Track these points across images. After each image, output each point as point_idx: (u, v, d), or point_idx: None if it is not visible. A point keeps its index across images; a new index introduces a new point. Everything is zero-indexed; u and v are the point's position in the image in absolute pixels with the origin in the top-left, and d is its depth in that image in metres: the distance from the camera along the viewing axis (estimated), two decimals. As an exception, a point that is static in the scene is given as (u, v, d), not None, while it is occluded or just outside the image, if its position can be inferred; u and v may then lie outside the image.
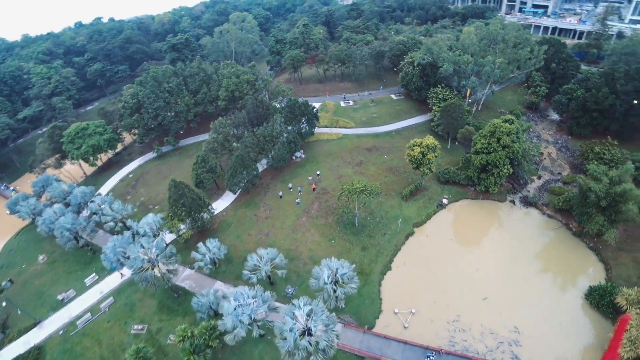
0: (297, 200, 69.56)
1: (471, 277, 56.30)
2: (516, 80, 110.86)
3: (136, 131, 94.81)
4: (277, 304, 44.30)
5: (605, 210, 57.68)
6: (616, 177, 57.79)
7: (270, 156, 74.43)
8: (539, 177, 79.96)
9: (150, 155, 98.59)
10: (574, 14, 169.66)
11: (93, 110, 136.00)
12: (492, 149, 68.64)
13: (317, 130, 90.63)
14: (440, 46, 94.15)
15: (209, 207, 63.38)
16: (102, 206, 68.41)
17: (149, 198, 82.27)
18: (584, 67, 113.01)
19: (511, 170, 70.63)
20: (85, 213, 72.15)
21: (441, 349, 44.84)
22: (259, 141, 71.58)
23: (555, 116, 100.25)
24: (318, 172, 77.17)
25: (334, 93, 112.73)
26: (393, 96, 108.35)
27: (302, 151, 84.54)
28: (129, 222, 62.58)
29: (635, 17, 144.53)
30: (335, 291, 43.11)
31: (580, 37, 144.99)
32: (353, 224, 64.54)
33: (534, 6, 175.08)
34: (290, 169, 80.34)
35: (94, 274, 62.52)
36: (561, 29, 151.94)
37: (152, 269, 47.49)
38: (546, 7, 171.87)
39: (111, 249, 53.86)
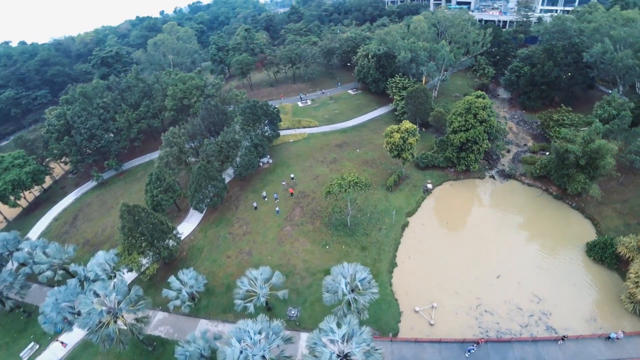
0: (276, 209, 60.19)
1: (478, 258, 51.95)
2: (462, 67, 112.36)
3: (68, 159, 78.16)
4: (289, 333, 34.79)
5: (584, 169, 58.50)
6: (587, 136, 58.49)
7: (236, 164, 64.34)
8: (508, 151, 79.75)
9: (90, 184, 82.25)
10: (493, 8, 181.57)
11: (9, 145, 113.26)
12: (469, 125, 65.85)
13: (280, 132, 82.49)
14: (394, 35, 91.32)
15: (175, 232, 51.67)
16: (33, 253, 52.88)
17: (95, 234, 67.12)
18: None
19: (490, 145, 68.68)
20: (10, 266, 55.61)
21: (480, 339, 38.89)
22: (222, 148, 61.19)
23: (505, 95, 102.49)
24: (292, 176, 68.54)
25: (289, 95, 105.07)
26: (350, 92, 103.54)
27: (268, 156, 75.35)
28: (72, 267, 47.67)
29: (544, 7, 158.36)
30: (356, 301, 34.74)
31: (504, 26, 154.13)
32: (344, 224, 56.89)
33: (458, 2, 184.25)
34: (260, 177, 70.70)
35: (32, 344, 46.74)
36: (487, 20, 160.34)
37: (115, 321, 35.24)
38: (469, 3, 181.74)
39: (52, 305, 39.95)
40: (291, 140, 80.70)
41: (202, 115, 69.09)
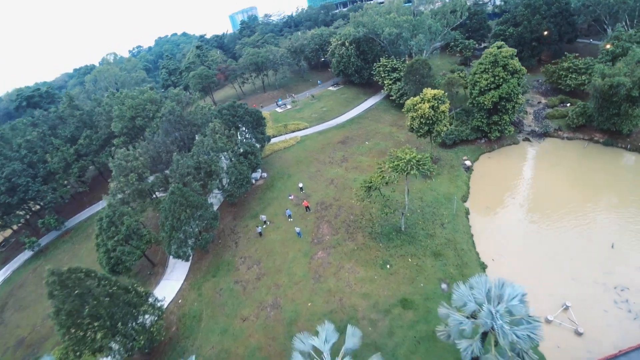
0: (296, 230, 40.99)
1: (570, 232, 37.03)
2: (437, 47, 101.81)
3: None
4: None
5: (637, 101, 48.20)
6: (630, 65, 48.84)
7: (221, 184, 44.84)
8: (525, 112, 67.48)
9: (23, 256, 57.74)
10: None
11: None
12: (500, 80, 52.11)
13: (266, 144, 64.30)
14: (371, 14, 77.80)
15: (151, 301, 30.84)
16: None
17: (33, 329, 43.45)
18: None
19: (523, 100, 55.66)
20: None
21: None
22: (200, 164, 41.61)
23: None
24: (300, 185, 49.87)
25: (262, 104, 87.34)
26: (332, 88, 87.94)
27: (260, 170, 56.41)
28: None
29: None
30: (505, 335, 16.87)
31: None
32: (396, 229, 38.98)
33: None
34: (256, 197, 51.28)
35: None
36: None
37: None
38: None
39: None
40: (282, 148, 62.40)
41: (165, 129, 49.24)
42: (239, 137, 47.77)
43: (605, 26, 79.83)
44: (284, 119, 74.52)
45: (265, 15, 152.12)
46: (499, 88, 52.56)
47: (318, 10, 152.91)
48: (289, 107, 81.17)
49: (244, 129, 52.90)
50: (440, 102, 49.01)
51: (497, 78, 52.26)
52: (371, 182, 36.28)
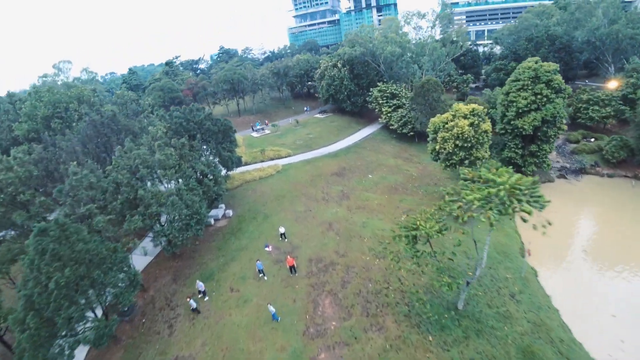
0: (270, 310, 23.20)
1: None
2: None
3: None
4: None
5: None
6: None
7: (158, 224, 27.08)
8: (549, 150, 57.53)
9: None
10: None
11: None
12: (543, 100, 40.77)
13: (235, 171, 47.79)
14: (368, 31, 67.81)
15: None
16: None
17: None
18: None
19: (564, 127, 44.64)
20: None
21: None
22: (119, 186, 24.12)
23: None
24: (282, 231, 32.72)
25: (236, 130, 71.74)
26: (319, 116, 74.77)
27: (224, 206, 39.16)
28: None
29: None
30: None
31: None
32: (450, 307, 22.64)
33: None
34: (213, 245, 33.40)
35: None
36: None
37: None
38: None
39: None
40: (257, 178, 45.84)
41: (87, 134, 31.73)
42: (195, 153, 31.02)
43: (607, 65, 75.04)
44: (261, 144, 58.96)
45: (246, 49, 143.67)
46: (541, 109, 41.09)
47: (301, 47, 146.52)
48: (267, 132, 66.20)
49: (203, 143, 36.30)
50: (480, 119, 36.06)
51: (538, 97, 40.94)
52: (418, 228, 20.51)
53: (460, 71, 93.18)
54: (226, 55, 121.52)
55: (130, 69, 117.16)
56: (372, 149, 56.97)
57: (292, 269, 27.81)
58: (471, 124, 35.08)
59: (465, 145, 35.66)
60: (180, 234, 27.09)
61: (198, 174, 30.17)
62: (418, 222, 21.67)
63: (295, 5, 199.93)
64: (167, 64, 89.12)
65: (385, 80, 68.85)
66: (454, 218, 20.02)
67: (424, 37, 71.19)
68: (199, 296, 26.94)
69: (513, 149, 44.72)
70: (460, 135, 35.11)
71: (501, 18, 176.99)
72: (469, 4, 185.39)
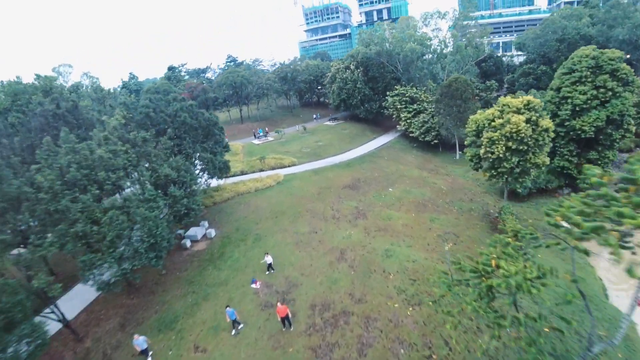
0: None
1: None
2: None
3: None
4: None
5: None
6: None
7: (95, 251, 18.67)
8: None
9: None
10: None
11: None
12: (607, 94, 31.71)
13: (227, 181, 39.65)
14: (384, 29, 60.35)
15: None
16: None
17: None
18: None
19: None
20: None
21: None
22: (40, 190, 15.84)
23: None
24: (269, 261, 23.49)
25: (236, 137, 64.24)
26: (329, 123, 66.71)
27: (205, 224, 30.63)
28: None
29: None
30: None
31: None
32: None
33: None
34: (184, 277, 24.56)
35: None
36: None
37: None
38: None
39: None
40: (253, 190, 37.30)
41: (33, 126, 24.04)
42: (161, 153, 22.78)
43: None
44: (261, 152, 50.74)
45: (256, 60, 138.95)
46: (606, 106, 31.98)
47: (312, 58, 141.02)
48: (270, 139, 58.26)
49: (177, 141, 28.04)
50: (537, 115, 27.14)
51: (601, 91, 31.92)
52: (494, 272, 11.47)
53: (482, 79, 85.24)
54: (234, 64, 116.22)
55: (130, 74, 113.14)
56: (391, 158, 48.17)
57: (285, 321, 18.73)
58: (527, 120, 26.20)
59: (521, 148, 26.62)
60: (138, 261, 18.61)
61: (163, 180, 21.82)
62: (494, 261, 12.66)
63: (307, 19, 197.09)
64: (170, 68, 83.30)
65: (403, 83, 60.75)
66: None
67: (444, 39, 63.44)
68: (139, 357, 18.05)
69: (566, 157, 35.36)
70: (514, 134, 26.15)
71: (515, 31, 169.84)
72: (483, 17, 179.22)
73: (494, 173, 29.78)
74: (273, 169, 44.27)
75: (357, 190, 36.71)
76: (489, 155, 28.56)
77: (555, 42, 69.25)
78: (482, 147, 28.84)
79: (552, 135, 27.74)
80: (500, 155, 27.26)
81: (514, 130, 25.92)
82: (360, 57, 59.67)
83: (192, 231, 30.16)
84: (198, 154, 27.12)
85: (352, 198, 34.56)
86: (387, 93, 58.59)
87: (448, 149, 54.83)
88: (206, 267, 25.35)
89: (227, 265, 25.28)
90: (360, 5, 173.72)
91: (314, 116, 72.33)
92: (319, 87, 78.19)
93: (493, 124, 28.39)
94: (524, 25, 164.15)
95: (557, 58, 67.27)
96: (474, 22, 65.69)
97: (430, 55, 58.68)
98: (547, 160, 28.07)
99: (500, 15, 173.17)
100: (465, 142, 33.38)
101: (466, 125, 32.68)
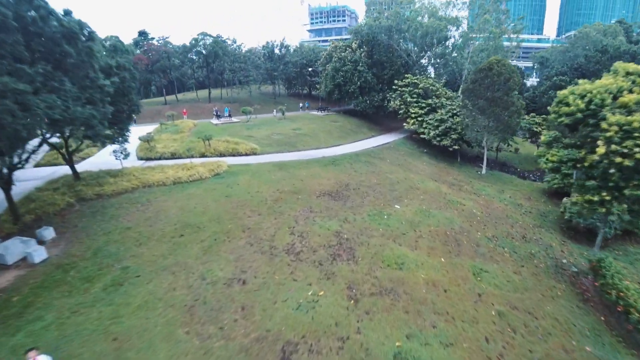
0: None
1: None
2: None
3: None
4: None
5: None
6: None
7: None
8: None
9: None
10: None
11: None
12: None
13: (148, 164, 23.98)
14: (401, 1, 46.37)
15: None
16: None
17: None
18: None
19: None
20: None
21: None
22: None
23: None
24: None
25: (199, 116, 48.56)
26: (317, 113, 51.74)
27: (48, 230, 14.85)
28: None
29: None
30: None
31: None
32: None
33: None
34: None
35: None
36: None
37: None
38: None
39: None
40: (171, 183, 21.80)
41: None
42: None
43: None
44: (217, 133, 35.19)
45: (250, 50, 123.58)
46: None
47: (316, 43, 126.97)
48: (236, 120, 42.81)
49: None
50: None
51: None
52: None
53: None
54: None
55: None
56: (396, 162, 33.23)
57: None
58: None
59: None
60: None
61: None
62: None
63: (312, 19, 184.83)
64: (140, 33, 66.88)
65: (415, 73, 46.59)
66: None
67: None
68: None
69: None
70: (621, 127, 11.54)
71: (522, 57, 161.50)
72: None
73: (606, 198, 15.02)
74: (222, 155, 28.70)
75: (342, 202, 21.43)
76: (611, 157, 13.79)
77: (596, 52, 56.88)
78: (601, 143, 14.08)
79: None
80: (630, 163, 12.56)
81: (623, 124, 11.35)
82: (365, 31, 45.27)
83: (12, 247, 14.45)
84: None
85: (332, 214, 19.19)
86: (395, 82, 44.23)
87: (467, 160, 40.60)
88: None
89: (15, 341, 9.60)
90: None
91: (301, 105, 57.24)
92: (311, 74, 63.40)
93: (622, 99, 13.80)
94: (531, 51, 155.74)
95: (598, 71, 55.05)
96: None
97: (454, 40, 44.89)
98: None
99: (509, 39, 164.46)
100: (542, 138, 18.79)
101: (555, 105, 18.00)
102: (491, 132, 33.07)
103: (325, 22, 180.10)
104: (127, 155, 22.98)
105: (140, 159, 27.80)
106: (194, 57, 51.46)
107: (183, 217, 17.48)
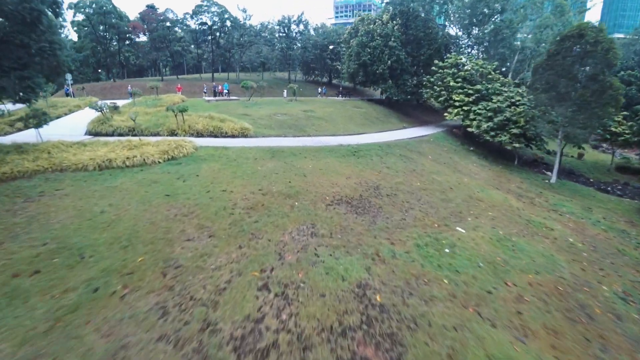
0: None
1: None
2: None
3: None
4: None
5: None
6: None
7: None
8: None
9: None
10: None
11: None
12: None
13: (84, 139, 15.74)
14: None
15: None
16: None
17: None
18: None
19: None
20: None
21: None
22: None
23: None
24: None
25: (196, 94, 40.68)
26: (337, 98, 42.84)
27: None
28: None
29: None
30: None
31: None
32: None
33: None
34: None
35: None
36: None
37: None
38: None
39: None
40: (97, 167, 13.69)
41: None
42: None
43: None
44: (209, 109, 26.90)
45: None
46: None
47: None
48: (234, 98, 34.57)
49: None
50: None
51: None
52: None
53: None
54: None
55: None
56: (441, 160, 23.92)
57: None
58: None
59: None
60: None
61: None
62: None
63: (337, 13, 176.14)
64: (148, 7, 59.14)
65: (454, 54, 36.88)
66: None
67: None
68: None
69: None
70: None
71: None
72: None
73: None
74: (200, 135, 20.35)
75: (369, 217, 12.48)
76: None
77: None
78: None
79: None
80: None
81: None
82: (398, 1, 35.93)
83: None
84: None
85: (351, 242, 10.37)
86: (435, 62, 34.73)
87: (523, 164, 30.80)
88: None
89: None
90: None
91: (319, 90, 48.23)
92: (332, 58, 54.20)
93: None
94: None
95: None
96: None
97: (512, 16, 34.87)
98: None
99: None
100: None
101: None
102: (574, 124, 23.26)
103: (350, 16, 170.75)
104: (40, 124, 14.97)
105: (89, 133, 19.82)
106: (197, 28, 43.53)
107: (68, 230, 9.09)
